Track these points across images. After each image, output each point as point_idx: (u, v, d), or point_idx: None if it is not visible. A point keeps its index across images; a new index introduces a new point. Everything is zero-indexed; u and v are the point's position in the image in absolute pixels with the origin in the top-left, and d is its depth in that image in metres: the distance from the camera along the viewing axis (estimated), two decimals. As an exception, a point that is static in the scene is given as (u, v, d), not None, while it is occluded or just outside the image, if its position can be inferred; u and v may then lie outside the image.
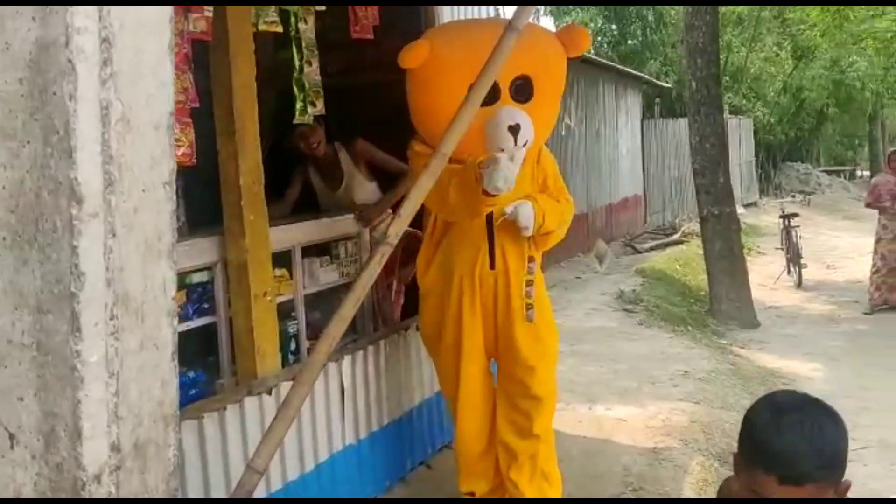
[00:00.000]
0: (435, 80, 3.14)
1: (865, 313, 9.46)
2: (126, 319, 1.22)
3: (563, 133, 12.52)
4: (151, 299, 1.23)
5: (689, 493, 4.08)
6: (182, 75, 2.68)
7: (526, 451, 3.45)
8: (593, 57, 16.69)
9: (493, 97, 3.09)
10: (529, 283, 3.36)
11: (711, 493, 4.25)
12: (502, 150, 2.96)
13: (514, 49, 3.07)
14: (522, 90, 3.20)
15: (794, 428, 1.44)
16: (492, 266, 3.31)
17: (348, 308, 2.30)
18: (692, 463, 4.41)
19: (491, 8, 4.95)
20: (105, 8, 1.18)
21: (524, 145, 3.12)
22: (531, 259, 3.39)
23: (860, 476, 3.05)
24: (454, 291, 3.36)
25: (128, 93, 1.22)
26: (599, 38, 21.96)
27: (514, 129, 3.09)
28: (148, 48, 1.23)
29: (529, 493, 3.45)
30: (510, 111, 3.13)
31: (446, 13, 4.38)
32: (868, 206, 10.02)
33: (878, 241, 9.64)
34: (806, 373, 7.29)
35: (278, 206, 4.03)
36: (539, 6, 16.33)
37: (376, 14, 4.16)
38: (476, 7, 4.66)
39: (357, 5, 4.12)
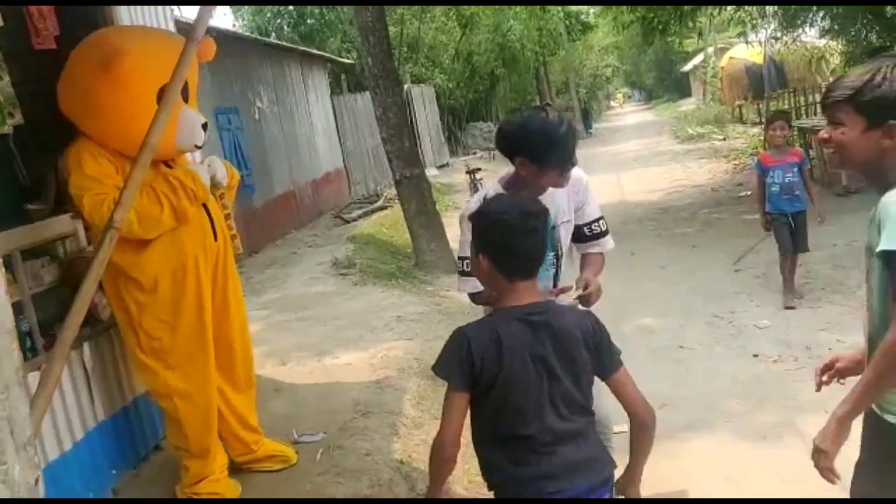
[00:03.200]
0: (132, 84, 3.32)
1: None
2: None
3: (257, 117, 12.86)
4: None
5: (409, 409, 4.81)
6: None
7: (249, 405, 3.94)
8: (276, 41, 17.08)
9: (184, 98, 3.49)
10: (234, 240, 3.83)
11: (428, 406, 5.04)
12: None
13: (175, 57, 3.51)
14: (183, 92, 3.49)
15: None
16: (215, 238, 3.62)
17: (89, 284, 2.66)
18: (409, 385, 5.17)
19: (167, 8, 5.18)
20: None
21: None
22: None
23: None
24: (190, 269, 3.50)
25: None
26: (279, 21, 22.34)
27: (205, 126, 3.58)
28: None
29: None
30: (193, 111, 3.57)
31: (124, 13, 4.54)
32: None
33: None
34: (497, 299, 8.45)
35: (39, 208, 4.17)
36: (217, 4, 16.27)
37: (55, 23, 4.31)
38: (154, 7, 4.86)
39: (34, 18, 4.26)
